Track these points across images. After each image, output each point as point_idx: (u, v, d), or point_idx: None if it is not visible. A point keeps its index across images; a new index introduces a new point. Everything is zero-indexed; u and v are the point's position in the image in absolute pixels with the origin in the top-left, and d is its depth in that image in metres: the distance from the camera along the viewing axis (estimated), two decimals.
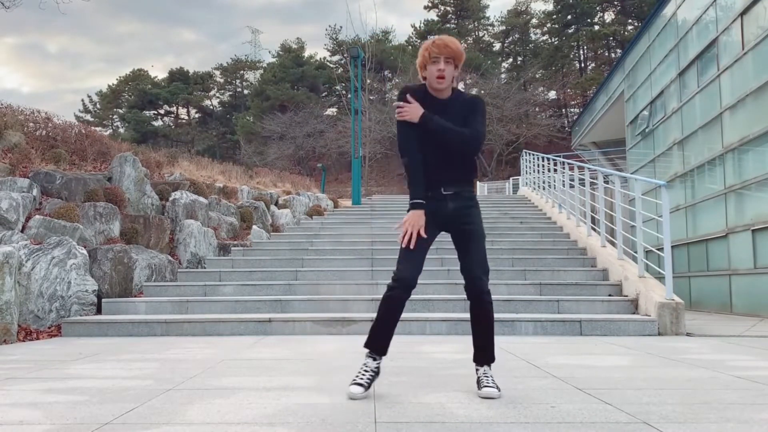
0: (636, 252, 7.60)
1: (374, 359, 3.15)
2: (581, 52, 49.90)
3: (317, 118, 42.42)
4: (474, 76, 41.51)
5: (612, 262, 8.31)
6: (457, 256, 3.21)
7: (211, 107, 58.21)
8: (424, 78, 3.11)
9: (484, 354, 3.20)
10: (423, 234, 3.04)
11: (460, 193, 3.13)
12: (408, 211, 3.08)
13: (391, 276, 3.10)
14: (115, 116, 57.35)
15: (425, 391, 3.25)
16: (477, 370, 3.21)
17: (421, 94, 3.10)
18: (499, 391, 3.09)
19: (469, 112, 3.09)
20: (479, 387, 3.12)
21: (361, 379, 3.08)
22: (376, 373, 3.15)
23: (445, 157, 3.08)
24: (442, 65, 3.01)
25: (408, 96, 3.07)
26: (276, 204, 14.38)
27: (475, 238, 3.14)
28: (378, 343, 3.14)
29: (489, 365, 3.21)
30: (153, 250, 8.73)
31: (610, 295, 7.61)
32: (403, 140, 3.11)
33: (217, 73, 57.93)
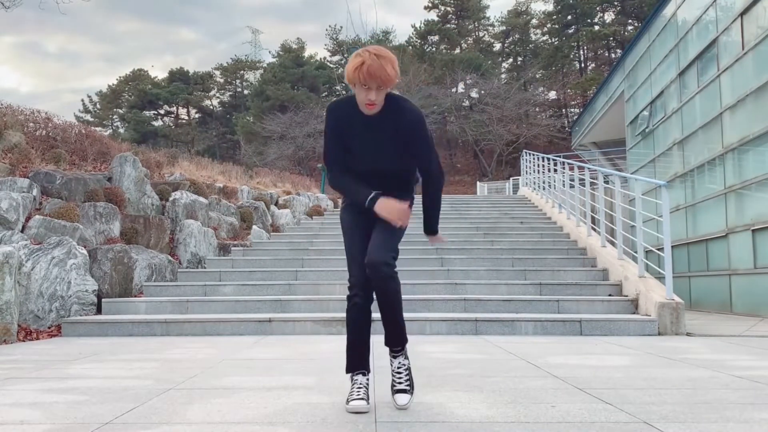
0: (636, 252, 7.60)
1: (363, 374, 2.91)
2: (581, 52, 49.91)
3: (317, 118, 42.38)
4: (474, 77, 41.51)
5: (612, 262, 8.31)
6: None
7: (211, 107, 58.21)
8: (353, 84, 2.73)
9: (389, 335, 2.92)
10: (405, 212, 2.79)
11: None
12: (368, 207, 2.78)
13: (348, 285, 2.93)
14: (115, 116, 57.35)
15: (425, 391, 3.25)
16: (391, 361, 2.94)
17: (349, 108, 2.80)
18: (411, 395, 2.85)
19: (408, 136, 2.80)
20: (391, 391, 2.89)
21: (358, 394, 2.82)
22: (368, 385, 2.92)
23: (376, 180, 2.85)
24: (374, 96, 2.67)
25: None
26: (276, 204, 14.38)
27: (382, 225, 2.83)
28: (360, 362, 2.91)
29: (400, 351, 2.91)
30: (153, 250, 8.73)
31: (610, 295, 7.61)
32: (333, 161, 2.87)
33: (217, 73, 57.93)
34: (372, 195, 2.77)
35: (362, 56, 2.63)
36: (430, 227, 3.03)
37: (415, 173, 3.01)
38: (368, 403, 2.79)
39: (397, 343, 2.92)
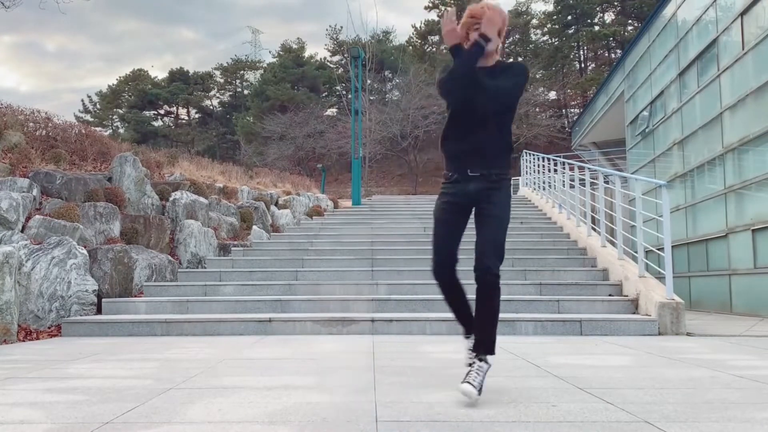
0: (636, 252, 7.60)
1: (467, 338, 3.17)
2: (581, 52, 49.90)
3: (317, 118, 42.41)
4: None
5: (612, 262, 8.30)
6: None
7: (211, 107, 58.21)
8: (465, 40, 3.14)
9: (480, 340, 3.01)
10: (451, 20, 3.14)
11: (488, 175, 3.03)
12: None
13: (431, 268, 3.16)
14: (115, 116, 57.34)
15: (426, 391, 3.25)
16: (471, 363, 3.00)
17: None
18: (478, 393, 2.86)
19: (515, 77, 3.09)
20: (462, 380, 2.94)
21: (472, 377, 2.90)
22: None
23: (477, 128, 3.01)
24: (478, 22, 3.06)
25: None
26: (276, 204, 14.38)
27: (489, 219, 3.01)
28: (463, 324, 3.21)
29: (484, 358, 2.98)
30: (153, 250, 8.73)
31: (610, 295, 7.61)
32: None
33: (217, 73, 57.93)
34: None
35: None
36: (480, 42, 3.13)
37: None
38: (479, 393, 2.89)
39: (483, 350, 3.01)
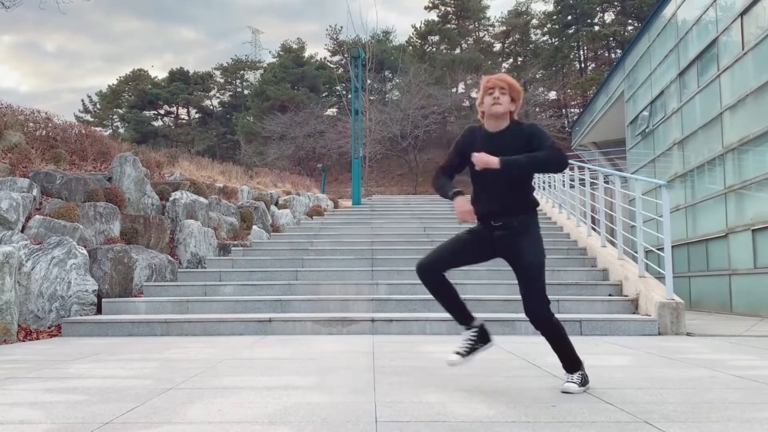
0: (636, 252, 7.60)
1: (466, 328, 3.38)
2: (581, 52, 49.88)
3: (317, 118, 42.39)
4: (474, 77, 41.47)
5: (612, 262, 8.30)
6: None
7: (211, 107, 58.19)
8: (482, 114, 3.32)
9: (564, 363, 3.32)
10: (469, 217, 3.21)
11: (510, 222, 3.23)
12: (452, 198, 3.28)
13: (419, 263, 3.35)
14: (115, 116, 57.32)
15: (426, 391, 3.25)
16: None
17: (476, 133, 3.35)
18: (579, 387, 3.20)
19: (527, 139, 3.20)
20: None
21: (460, 348, 3.31)
22: (476, 338, 3.35)
23: (497, 190, 3.21)
24: (497, 94, 3.22)
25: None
26: (276, 204, 14.38)
27: (523, 267, 3.23)
28: (462, 319, 3.39)
29: (572, 373, 3.28)
30: (153, 250, 8.73)
31: (610, 295, 7.61)
32: (448, 159, 3.41)
33: (217, 73, 57.90)
34: (455, 191, 3.26)
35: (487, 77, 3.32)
36: (506, 159, 3.16)
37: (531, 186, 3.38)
38: (463, 357, 3.29)
39: (570, 369, 3.30)
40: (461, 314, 3.39)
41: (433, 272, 3.31)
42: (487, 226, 3.28)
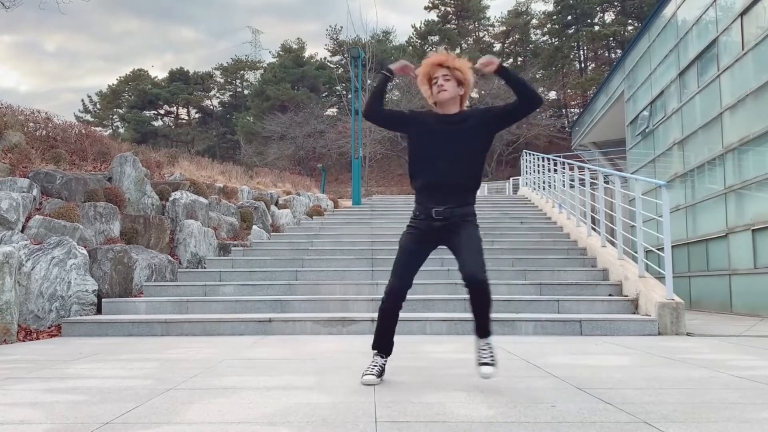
0: (636, 252, 7.60)
1: (381, 357, 3.50)
2: (581, 52, 49.89)
3: (317, 118, 42.41)
4: (474, 77, 41.43)
5: (612, 262, 8.30)
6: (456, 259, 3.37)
7: (211, 107, 58.21)
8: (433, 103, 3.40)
9: (482, 329, 3.34)
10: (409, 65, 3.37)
11: (450, 216, 3.27)
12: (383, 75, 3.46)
13: (385, 288, 3.38)
14: (115, 116, 57.35)
15: (426, 391, 3.25)
16: (477, 341, 3.36)
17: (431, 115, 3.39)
18: (495, 367, 3.26)
19: (483, 113, 3.34)
20: (477, 363, 3.30)
21: (372, 370, 3.43)
22: (383, 368, 3.49)
23: (449, 174, 3.23)
24: (441, 81, 3.29)
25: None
26: (276, 204, 14.38)
27: (465, 243, 3.26)
28: (383, 345, 3.49)
29: (486, 336, 3.33)
30: (153, 250, 8.73)
31: (610, 295, 7.61)
32: (391, 117, 3.50)
33: (218, 73, 57.94)
34: (385, 69, 3.39)
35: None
36: (506, 70, 3.30)
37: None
38: (378, 378, 3.40)
39: (486, 333, 3.35)
40: (389, 343, 3.49)
41: (402, 296, 3.37)
42: (428, 218, 3.28)
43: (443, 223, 3.28)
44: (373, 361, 3.50)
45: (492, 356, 3.30)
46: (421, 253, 3.40)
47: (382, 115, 3.46)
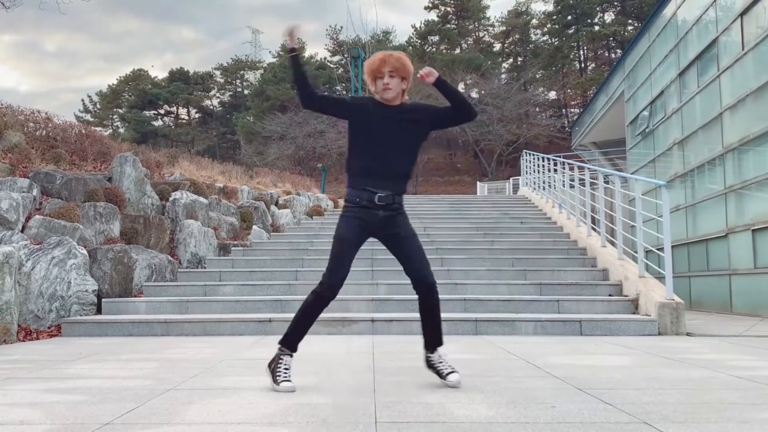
0: (636, 252, 7.60)
1: (290, 356, 3.37)
2: (581, 52, 49.91)
3: (317, 118, 42.37)
4: (474, 77, 41.50)
5: (612, 262, 8.30)
6: (398, 259, 3.40)
7: (212, 107, 58.21)
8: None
9: (436, 338, 3.46)
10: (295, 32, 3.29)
11: (391, 203, 3.30)
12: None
13: (322, 279, 3.28)
14: (115, 116, 57.36)
15: (426, 391, 3.25)
16: (430, 357, 3.45)
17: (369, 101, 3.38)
18: (459, 373, 3.36)
19: (423, 108, 3.41)
20: (442, 376, 3.36)
21: (288, 375, 3.29)
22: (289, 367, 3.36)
23: (389, 159, 3.27)
24: (387, 79, 3.26)
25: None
26: (276, 204, 14.38)
27: (408, 240, 3.34)
28: (295, 341, 3.37)
29: (437, 349, 3.45)
30: (153, 250, 8.73)
31: (610, 295, 7.61)
32: (330, 104, 3.41)
33: (218, 73, 57.94)
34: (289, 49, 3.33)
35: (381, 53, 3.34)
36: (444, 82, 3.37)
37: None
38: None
39: (439, 342, 3.47)
40: (300, 339, 3.39)
41: (340, 287, 3.30)
42: (369, 202, 3.26)
43: (386, 213, 3.29)
44: (284, 363, 3.31)
45: (450, 365, 3.40)
46: (360, 243, 3.35)
47: (322, 102, 3.39)
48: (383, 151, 3.27)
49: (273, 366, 3.33)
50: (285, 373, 3.28)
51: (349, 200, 3.31)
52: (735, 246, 10.67)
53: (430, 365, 3.45)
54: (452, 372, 3.36)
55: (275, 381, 3.26)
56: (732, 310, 10.57)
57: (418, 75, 3.34)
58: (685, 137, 13.09)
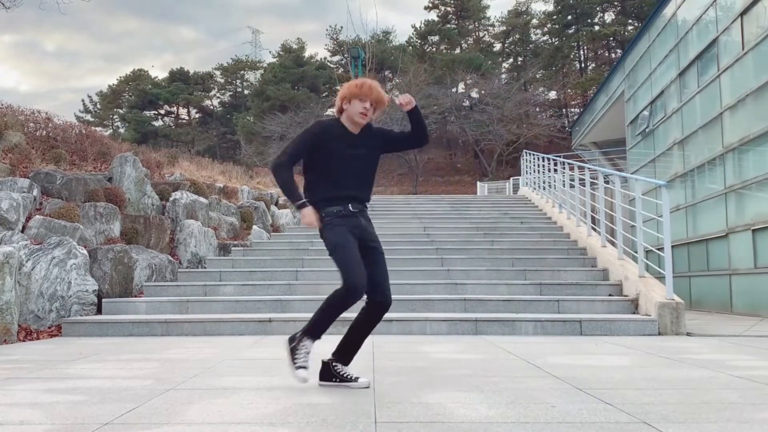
0: (636, 252, 7.60)
1: (313, 341, 3.40)
2: (581, 52, 49.89)
3: (317, 118, 42.39)
4: (474, 77, 41.49)
5: (612, 262, 8.30)
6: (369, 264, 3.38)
7: (212, 107, 58.19)
8: (341, 110, 3.44)
9: (353, 355, 3.48)
10: (316, 224, 3.35)
11: (363, 211, 3.42)
12: (300, 211, 3.37)
13: (349, 285, 3.24)
14: (115, 116, 57.33)
15: (425, 391, 3.25)
16: (336, 366, 3.43)
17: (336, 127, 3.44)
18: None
19: (382, 133, 3.55)
20: (352, 379, 3.38)
21: (306, 361, 3.31)
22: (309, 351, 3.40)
23: (358, 177, 3.40)
24: (369, 108, 3.39)
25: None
26: (276, 204, 14.39)
27: (382, 257, 3.41)
28: (319, 330, 3.42)
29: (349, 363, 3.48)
30: (153, 250, 8.73)
31: (610, 295, 7.61)
32: (297, 152, 3.40)
33: (218, 73, 57.90)
34: (302, 202, 3.33)
35: (362, 80, 3.44)
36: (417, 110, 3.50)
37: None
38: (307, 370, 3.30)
39: (351, 359, 3.49)
40: (323, 331, 3.42)
41: (365, 285, 3.32)
42: (345, 211, 3.34)
43: (363, 219, 3.41)
44: (306, 346, 3.35)
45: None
46: (356, 245, 3.39)
47: (295, 164, 3.46)
48: (353, 177, 3.38)
49: (295, 344, 3.34)
50: (305, 357, 3.30)
51: (327, 214, 3.35)
52: (735, 246, 10.67)
53: (334, 373, 3.41)
54: (358, 377, 3.40)
55: (294, 362, 3.30)
56: (732, 310, 10.57)
57: (398, 103, 3.45)
58: (685, 137, 13.09)
